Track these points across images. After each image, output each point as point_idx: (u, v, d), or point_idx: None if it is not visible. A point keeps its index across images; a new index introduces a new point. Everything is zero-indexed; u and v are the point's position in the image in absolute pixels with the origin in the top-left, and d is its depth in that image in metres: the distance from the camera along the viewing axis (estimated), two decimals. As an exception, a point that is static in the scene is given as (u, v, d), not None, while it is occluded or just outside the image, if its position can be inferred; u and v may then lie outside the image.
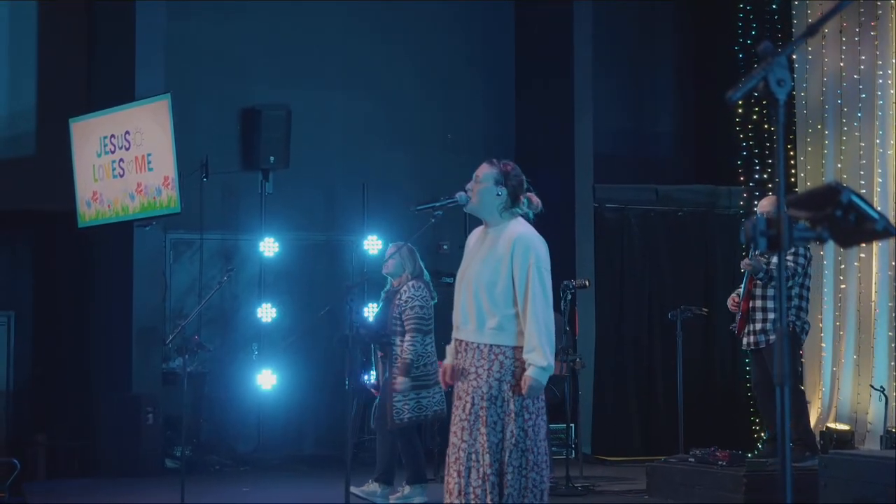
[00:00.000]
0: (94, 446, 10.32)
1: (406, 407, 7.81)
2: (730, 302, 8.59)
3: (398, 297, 7.91)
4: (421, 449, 8.15)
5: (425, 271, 8.05)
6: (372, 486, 7.94)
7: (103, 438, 10.26)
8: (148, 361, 10.47)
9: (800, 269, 8.27)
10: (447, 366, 5.35)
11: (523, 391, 5.07)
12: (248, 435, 11.18)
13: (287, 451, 11.06)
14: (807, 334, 8.59)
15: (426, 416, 7.93)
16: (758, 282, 8.28)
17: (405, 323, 7.83)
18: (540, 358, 5.05)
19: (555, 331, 5.25)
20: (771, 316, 8.29)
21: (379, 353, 8.15)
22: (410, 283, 7.91)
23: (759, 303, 8.34)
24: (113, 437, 10.15)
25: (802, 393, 8.71)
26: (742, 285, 8.46)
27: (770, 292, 8.27)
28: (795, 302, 8.30)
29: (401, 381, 7.76)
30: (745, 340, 8.50)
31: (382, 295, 8.23)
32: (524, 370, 5.10)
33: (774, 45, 2.72)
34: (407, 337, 7.80)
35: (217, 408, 11.07)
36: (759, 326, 8.33)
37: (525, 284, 5.12)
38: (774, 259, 8.13)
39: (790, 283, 8.23)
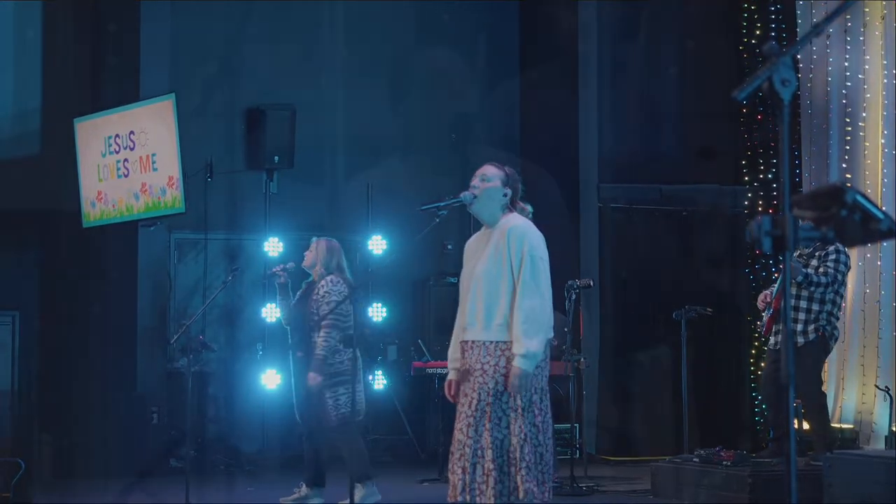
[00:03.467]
0: (99, 446, 10.33)
1: (340, 402, 7.52)
2: (760, 300, 8.54)
3: (316, 291, 7.64)
4: (364, 445, 7.80)
5: (346, 269, 7.75)
6: (357, 492, 7.58)
7: (108, 438, 10.26)
8: (152, 361, 10.48)
9: (840, 277, 8.20)
10: (450, 382, 5.38)
11: (509, 388, 5.10)
12: (253, 435, 11.18)
13: (291, 451, 11.03)
14: (836, 341, 8.46)
15: (361, 411, 7.61)
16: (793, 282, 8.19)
17: (322, 318, 7.50)
18: (519, 346, 5.10)
19: (549, 321, 5.25)
20: (802, 317, 8.20)
21: (298, 353, 7.78)
22: (329, 278, 7.64)
23: (792, 302, 8.26)
24: (117, 436, 10.16)
25: (825, 396, 8.64)
26: (776, 284, 8.44)
27: (804, 293, 8.21)
28: (828, 307, 8.21)
29: (312, 377, 7.46)
30: (773, 340, 8.42)
31: (303, 286, 7.93)
32: None
33: (779, 45, 2.72)
34: (322, 332, 7.52)
35: (221, 407, 11.07)
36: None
37: (518, 273, 5.18)
38: (813, 262, 8.12)
39: (829, 289, 8.17)
